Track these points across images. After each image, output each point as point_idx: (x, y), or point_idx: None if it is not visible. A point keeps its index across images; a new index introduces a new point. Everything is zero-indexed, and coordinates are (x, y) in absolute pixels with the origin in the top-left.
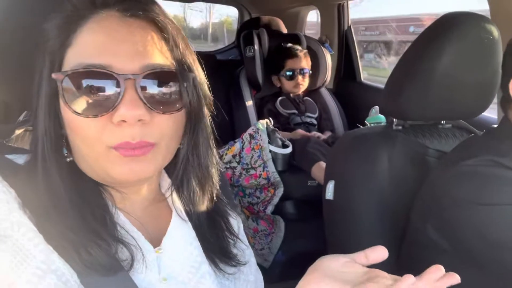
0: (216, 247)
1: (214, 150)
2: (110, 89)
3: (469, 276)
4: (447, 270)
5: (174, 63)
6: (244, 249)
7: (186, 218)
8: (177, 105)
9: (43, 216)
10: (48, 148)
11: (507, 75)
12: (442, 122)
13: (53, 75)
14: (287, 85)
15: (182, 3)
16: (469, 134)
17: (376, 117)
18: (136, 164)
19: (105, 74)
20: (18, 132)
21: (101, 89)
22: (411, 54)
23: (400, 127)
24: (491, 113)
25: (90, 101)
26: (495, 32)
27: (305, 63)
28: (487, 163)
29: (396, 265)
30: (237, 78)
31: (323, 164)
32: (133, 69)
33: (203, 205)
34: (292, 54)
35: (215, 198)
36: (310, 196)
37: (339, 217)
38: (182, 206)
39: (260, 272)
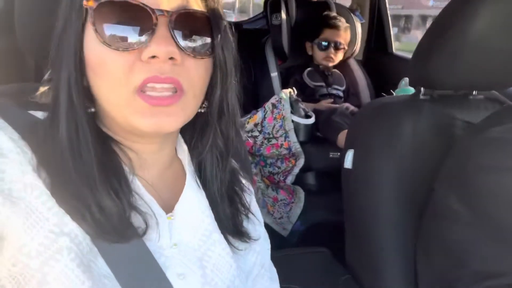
0: (229, 223)
1: (238, 116)
2: (143, 24)
3: (493, 249)
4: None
5: (208, 10)
6: (255, 223)
7: (201, 186)
8: (208, 52)
9: (59, 176)
10: (74, 95)
11: None
12: (473, 92)
13: (85, 2)
14: (318, 55)
15: None
16: (502, 106)
17: (405, 89)
18: (162, 117)
19: (139, 7)
20: (42, 89)
21: (134, 23)
22: (442, 18)
23: (427, 97)
24: None
25: (121, 34)
26: None
27: (343, 37)
28: None
29: (415, 236)
30: (263, 47)
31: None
32: (168, 7)
33: (221, 177)
34: (331, 24)
35: (233, 170)
36: (331, 168)
37: (357, 187)
38: (199, 174)
39: (268, 241)
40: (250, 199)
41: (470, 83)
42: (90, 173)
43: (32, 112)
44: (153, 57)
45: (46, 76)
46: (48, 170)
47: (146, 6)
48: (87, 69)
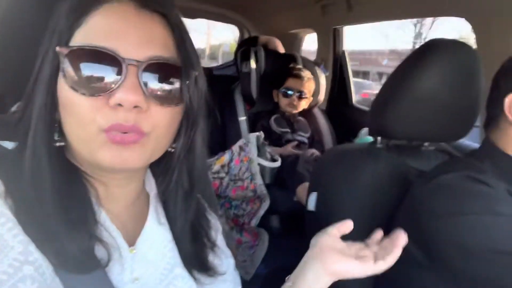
0: (194, 259)
1: (206, 158)
2: (112, 72)
3: None
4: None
5: (179, 60)
6: (222, 257)
7: (166, 221)
8: (176, 100)
9: (25, 204)
10: (41, 129)
11: (502, 92)
12: (425, 144)
13: (58, 49)
14: (283, 102)
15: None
16: (450, 157)
17: (364, 139)
18: (125, 152)
19: (109, 56)
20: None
21: (103, 71)
22: (397, 75)
23: (383, 146)
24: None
25: (90, 80)
26: (478, 58)
27: (306, 87)
28: (463, 177)
29: (375, 279)
30: (232, 92)
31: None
32: (138, 56)
33: (185, 214)
34: (295, 75)
35: (200, 206)
36: (295, 211)
37: (319, 229)
38: (164, 210)
39: (237, 272)
40: (217, 234)
41: (421, 135)
42: (51, 205)
43: (0, 142)
44: (120, 104)
45: (14, 108)
46: (13, 198)
47: (117, 55)
48: (60, 107)
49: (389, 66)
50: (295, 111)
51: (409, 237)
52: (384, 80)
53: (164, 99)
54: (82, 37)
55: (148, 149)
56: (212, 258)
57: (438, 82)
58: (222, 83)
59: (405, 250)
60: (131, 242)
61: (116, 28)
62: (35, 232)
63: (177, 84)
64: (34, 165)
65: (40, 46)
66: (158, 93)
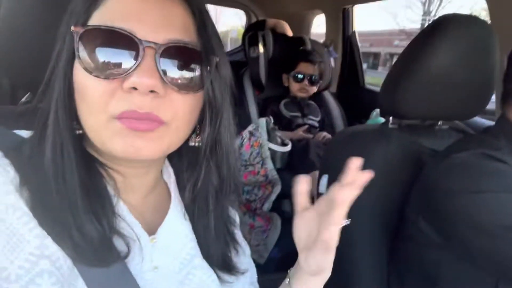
0: (218, 258)
1: (237, 151)
2: (128, 54)
3: (462, 270)
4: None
5: (200, 44)
6: (241, 255)
7: (187, 217)
8: (196, 87)
9: (43, 196)
10: (62, 117)
11: None
12: (439, 123)
13: (73, 28)
14: (294, 86)
15: None
16: (464, 135)
17: (376, 120)
18: (139, 140)
19: (126, 37)
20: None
21: (119, 53)
22: (408, 53)
23: (395, 126)
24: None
25: (105, 62)
26: (491, 34)
27: (317, 71)
28: (478, 155)
29: (388, 260)
30: (241, 78)
31: (318, 174)
32: (156, 38)
33: (216, 212)
34: (307, 59)
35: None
36: None
37: None
38: (185, 203)
39: (255, 270)
40: (236, 231)
41: (434, 113)
42: (72, 197)
43: (16, 131)
44: (135, 88)
45: (24, 99)
46: (30, 190)
47: (134, 36)
48: (75, 92)
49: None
50: (306, 95)
51: (424, 217)
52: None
53: (183, 85)
54: (99, 18)
55: (166, 140)
56: (235, 257)
57: (451, 59)
58: (231, 69)
59: (419, 229)
60: (152, 232)
61: (134, 10)
62: (52, 225)
63: (197, 70)
64: (56, 154)
65: (57, 29)
66: (177, 78)
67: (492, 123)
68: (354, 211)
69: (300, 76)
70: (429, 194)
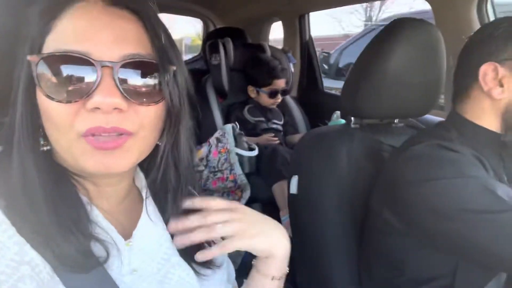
0: (191, 252)
1: (194, 151)
2: (86, 76)
3: (424, 256)
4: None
5: (155, 55)
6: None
7: (159, 214)
8: (156, 97)
9: (17, 208)
10: (25, 137)
11: (474, 62)
12: (395, 121)
13: (29, 57)
14: (266, 100)
15: None
16: (418, 131)
17: (337, 121)
18: (109, 158)
19: (81, 60)
20: None
21: (77, 75)
22: (365, 56)
23: (357, 126)
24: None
25: (65, 86)
26: (439, 36)
27: (285, 82)
28: (433, 146)
29: (358, 252)
30: (204, 86)
31: (285, 184)
32: (112, 57)
33: (178, 208)
34: (278, 76)
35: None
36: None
37: (303, 210)
38: (156, 205)
39: (231, 263)
40: None
41: (391, 112)
42: (43, 210)
43: None
44: (97, 107)
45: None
46: (5, 200)
47: (89, 57)
48: (41, 113)
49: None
50: (275, 105)
51: (387, 207)
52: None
53: (144, 97)
54: (53, 43)
55: (135, 151)
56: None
57: (405, 61)
58: (193, 77)
59: (384, 220)
60: (127, 236)
61: (86, 30)
62: (30, 235)
63: (155, 81)
64: (22, 171)
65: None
66: (137, 92)
67: (440, 119)
68: (325, 209)
69: (274, 92)
70: (391, 185)
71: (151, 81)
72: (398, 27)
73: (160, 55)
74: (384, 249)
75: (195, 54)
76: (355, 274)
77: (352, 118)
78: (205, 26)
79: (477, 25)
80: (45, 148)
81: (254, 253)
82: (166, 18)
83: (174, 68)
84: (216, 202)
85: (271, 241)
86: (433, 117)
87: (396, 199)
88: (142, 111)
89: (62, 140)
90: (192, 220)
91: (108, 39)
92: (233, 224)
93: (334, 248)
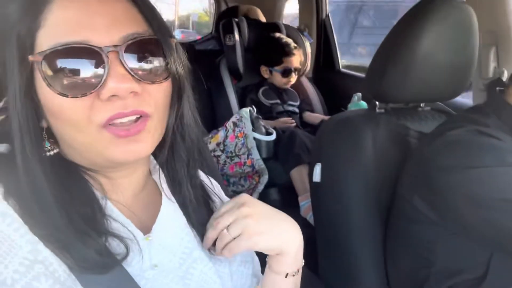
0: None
1: (199, 121)
2: (94, 64)
3: (456, 247)
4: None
5: (153, 31)
6: None
7: (173, 199)
8: (165, 73)
9: (28, 208)
10: (28, 143)
11: None
12: (421, 105)
13: (30, 58)
14: (279, 80)
15: None
16: (447, 116)
17: (358, 104)
18: (134, 145)
19: (86, 49)
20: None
21: (85, 66)
22: (392, 37)
23: (382, 110)
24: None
25: (74, 80)
26: (473, 16)
27: (299, 60)
28: (471, 132)
29: (384, 241)
30: (218, 67)
31: (304, 169)
32: (114, 40)
33: (193, 186)
34: (291, 53)
35: (202, 178)
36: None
37: (327, 199)
38: (169, 184)
39: (256, 257)
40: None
41: (418, 96)
42: (57, 217)
43: None
44: (113, 95)
45: (1, 104)
46: (16, 201)
47: (93, 46)
48: (46, 114)
49: None
50: (290, 85)
51: (418, 194)
52: None
53: (154, 75)
54: (46, 37)
55: (155, 132)
56: None
57: (434, 42)
58: (206, 58)
59: (414, 208)
60: (146, 230)
61: (81, 18)
62: (43, 235)
63: (161, 57)
64: (29, 178)
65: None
66: (146, 71)
67: (468, 101)
68: (350, 197)
69: (287, 70)
70: (424, 172)
71: (157, 58)
72: (428, 6)
73: (159, 30)
74: (413, 238)
75: (205, 32)
76: (380, 263)
77: (377, 102)
78: (217, 4)
79: (510, 3)
80: (52, 153)
81: (264, 252)
82: None
83: (175, 40)
84: (223, 208)
85: (281, 238)
86: (461, 100)
87: (430, 186)
88: (155, 90)
89: (81, 136)
90: (211, 234)
91: (104, 23)
92: (240, 223)
93: (359, 236)
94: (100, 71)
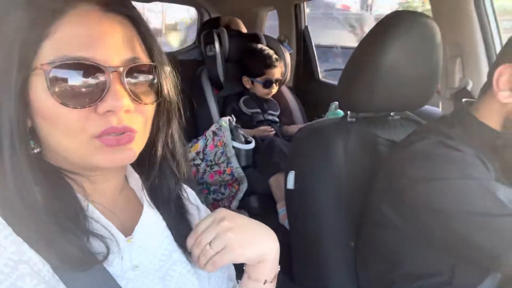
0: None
1: (185, 143)
2: (97, 81)
3: (421, 251)
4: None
5: (152, 58)
6: None
7: (158, 213)
8: (156, 96)
9: (12, 210)
10: (17, 141)
11: (495, 63)
12: (391, 113)
13: (38, 65)
14: (261, 90)
15: (140, 4)
16: (416, 124)
17: (335, 112)
18: (120, 153)
19: (93, 66)
20: None
21: (88, 81)
22: (361, 49)
23: (353, 119)
24: None
25: (77, 92)
26: (436, 29)
27: (280, 71)
28: (437, 144)
29: (355, 246)
30: (199, 77)
31: (282, 177)
32: (117, 61)
33: (174, 200)
34: (273, 65)
35: (182, 192)
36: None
37: (300, 206)
38: (151, 198)
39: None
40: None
41: (387, 105)
42: (42, 214)
43: None
44: (109, 110)
45: None
46: (0, 203)
47: (99, 64)
48: (35, 116)
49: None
50: (271, 95)
51: (386, 200)
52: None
53: (147, 97)
54: (52, 49)
55: (138, 146)
56: None
57: (398, 54)
58: (187, 68)
59: (382, 213)
60: (126, 232)
61: (90, 36)
62: (27, 235)
63: (155, 81)
64: (16, 175)
65: None
66: (141, 93)
67: (437, 110)
68: (322, 204)
69: (269, 82)
70: (392, 181)
71: (152, 82)
72: (394, 20)
73: (156, 57)
74: (381, 242)
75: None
76: (351, 267)
77: (348, 111)
78: (200, 15)
79: (474, 16)
80: (35, 151)
81: (246, 262)
82: (160, 3)
83: (169, 68)
84: (202, 225)
85: (261, 248)
86: (429, 108)
87: (396, 193)
88: (146, 110)
89: (69, 143)
90: (196, 252)
91: (111, 44)
92: (222, 237)
93: (330, 241)
94: (101, 87)
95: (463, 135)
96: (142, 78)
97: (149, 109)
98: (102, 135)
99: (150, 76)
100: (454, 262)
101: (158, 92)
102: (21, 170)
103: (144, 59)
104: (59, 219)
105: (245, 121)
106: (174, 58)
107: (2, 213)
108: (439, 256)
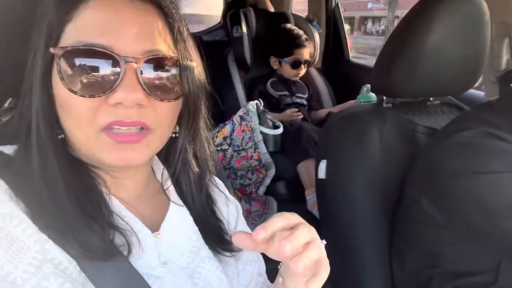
0: (215, 236)
1: (211, 141)
2: (109, 70)
3: (464, 250)
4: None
5: (176, 51)
6: None
7: (183, 204)
8: (176, 93)
9: (37, 203)
10: (44, 127)
11: None
12: (430, 99)
13: (52, 50)
14: (289, 71)
15: None
16: (458, 110)
17: (367, 96)
18: (128, 152)
19: (105, 54)
20: (3, 119)
21: (100, 70)
22: (401, 30)
23: (390, 105)
24: None
25: (87, 80)
26: (484, 7)
27: (310, 51)
28: (481, 134)
29: (389, 240)
30: (225, 59)
31: (311, 163)
32: (135, 52)
33: (201, 195)
34: (302, 45)
35: (210, 188)
36: None
37: (332, 196)
38: (178, 194)
39: (260, 256)
40: (237, 209)
41: (427, 90)
42: (66, 201)
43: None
44: (119, 103)
45: (6, 104)
46: (25, 201)
47: (113, 53)
48: (57, 103)
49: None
50: (299, 76)
51: (425, 196)
52: (369, 24)
53: (165, 94)
54: (73, 33)
55: (152, 146)
56: (227, 236)
57: (443, 35)
58: (213, 50)
59: (421, 209)
60: (153, 227)
61: (110, 23)
62: (51, 229)
63: (176, 77)
64: (42, 161)
65: (29, 42)
66: (158, 88)
67: (480, 94)
68: (356, 195)
69: (297, 62)
70: (432, 174)
71: (171, 77)
72: None
73: (182, 52)
74: (420, 238)
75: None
76: (385, 262)
77: (384, 97)
78: None
79: None
80: (60, 137)
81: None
82: None
83: (194, 64)
84: (302, 229)
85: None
86: (471, 92)
87: (437, 189)
88: (162, 108)
89: (80, 134)
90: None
91: (131, 33)
92: (317, 247)
93: (364, 235)
94: (113, 77)
95: (510, 124)
96: (161, 72)
97: (168, 108)
98: (110, 128)
99: (172, 71)
100: (500, 260)
101: (179, 88)
102: (46, 154)
103: (166, 51)
104: (83, 207)
105: (273, 104)
106: (199, 39)
107: (27, 207)
108: (483, 253)
